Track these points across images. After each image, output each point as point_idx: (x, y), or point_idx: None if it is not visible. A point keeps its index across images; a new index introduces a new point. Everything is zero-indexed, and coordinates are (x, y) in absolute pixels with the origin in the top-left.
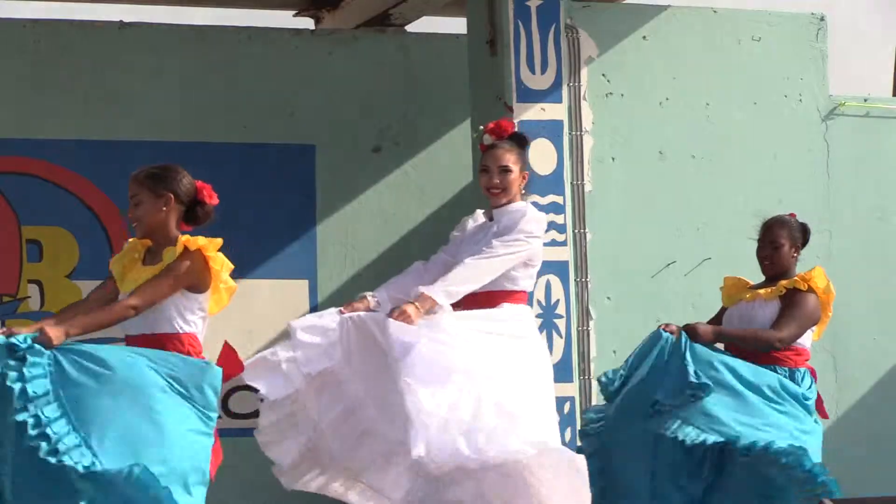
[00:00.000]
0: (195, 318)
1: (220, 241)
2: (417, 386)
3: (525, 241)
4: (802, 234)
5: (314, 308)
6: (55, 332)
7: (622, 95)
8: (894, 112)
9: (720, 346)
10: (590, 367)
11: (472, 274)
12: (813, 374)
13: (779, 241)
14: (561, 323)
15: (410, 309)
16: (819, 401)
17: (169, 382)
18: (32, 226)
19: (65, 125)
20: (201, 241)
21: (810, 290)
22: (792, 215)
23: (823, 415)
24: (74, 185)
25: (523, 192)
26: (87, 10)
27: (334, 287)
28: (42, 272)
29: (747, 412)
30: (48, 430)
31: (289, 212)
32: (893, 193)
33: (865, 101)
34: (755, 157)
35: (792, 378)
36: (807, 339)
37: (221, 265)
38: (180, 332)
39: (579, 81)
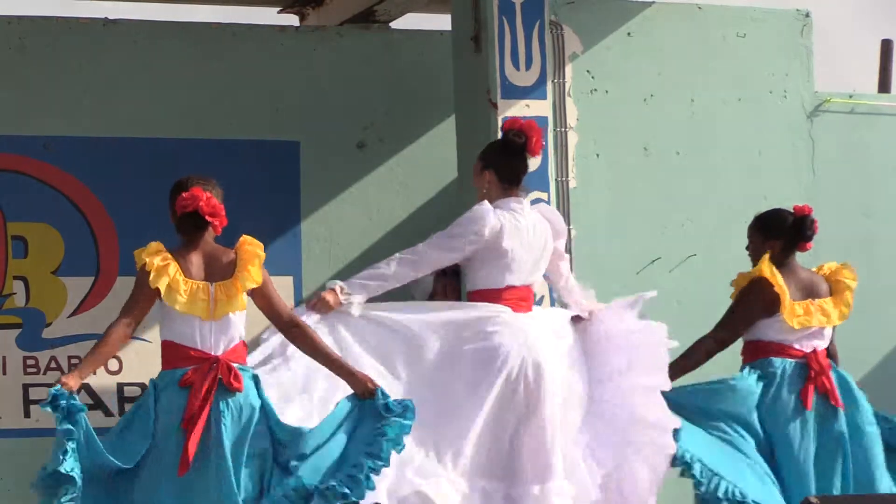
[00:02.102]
0: (168, 322)
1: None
2: None
3: (447, 239)
4: (765, 225)
5: (298, 304)
6: None
7: (607, 92)
8: (879, 108)
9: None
10: None
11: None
12: (826, 366)
13: (749, 240)
14: None
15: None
16: None
17: None
18: (18, 222)
19: (50, 122)
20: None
21: (751, 282)
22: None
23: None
24: (60, 182)
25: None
26: (72, 6)
27: (319, 283)
28: (27, 269)
29: None
30: None
31: (273, 208)
32: (878, 190)
33: (850, 97)
34: (740, 154)
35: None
36: (769, 331)
37: (153, 270)
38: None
39: (564, 78)
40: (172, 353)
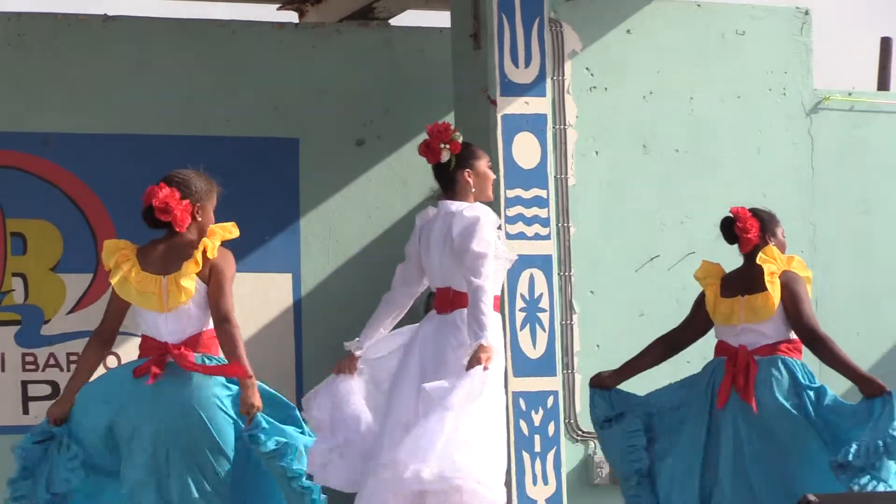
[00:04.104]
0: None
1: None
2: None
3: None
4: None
5: (298, 301)
6: None
7: (606, 89)
8: (879, 106)
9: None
10: (573, 362)
11: None
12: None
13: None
14: (544, 317)
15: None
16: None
17: None
18: (17, 219)
19: (49, 118)
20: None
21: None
22: None
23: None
24: (59, 179)
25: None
26: (71, 3)
27: (318, 280)
28: (26, 265)
29: None
30: None
31: (272, 205)
32: (878, 187)
33: (850, 94)
34: (739, 151)
35: None
36: (720, 332)
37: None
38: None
39: (563, 75)
40: (143, 344)
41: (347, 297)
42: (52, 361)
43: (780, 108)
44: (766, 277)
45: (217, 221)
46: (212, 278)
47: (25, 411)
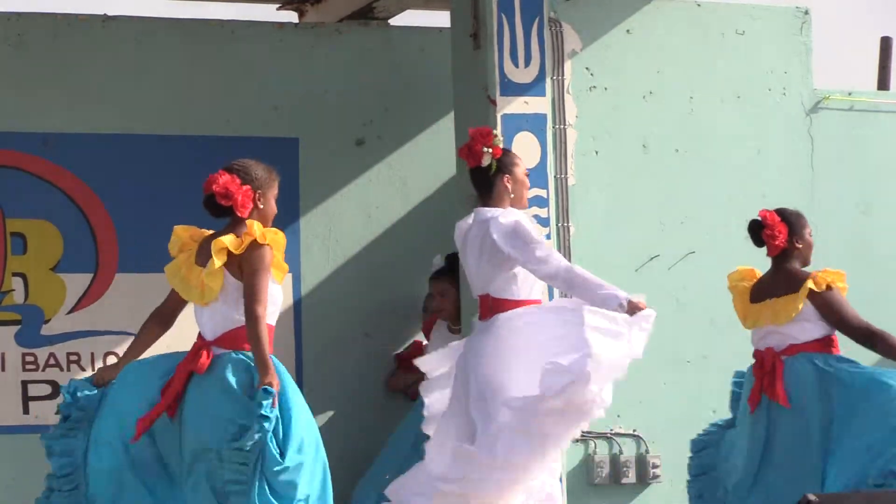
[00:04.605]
0: None
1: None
2: None
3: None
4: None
5: (297, 301)
6: None
7: (606, 89)
8: (879, 106)
9: None
10: None
11: None
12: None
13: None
14: None
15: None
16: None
17: None
18: (17, 218)
19: (49, 118)
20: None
21: None
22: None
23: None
24: (59, 179)
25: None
26: (71, 2)
27: (318, 280)
28: (26, 265)
29: None
30: None
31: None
32: (878, 187)
33: (850, 94)
34: (739, 151)
35: None
36: (752, 340)
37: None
38: None
39: (563, 75)
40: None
41: (347, 297)
42: (52, 361)
43: (780, 107)
44: (802, 288)
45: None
46: (244, 275)
47: (26, 411)
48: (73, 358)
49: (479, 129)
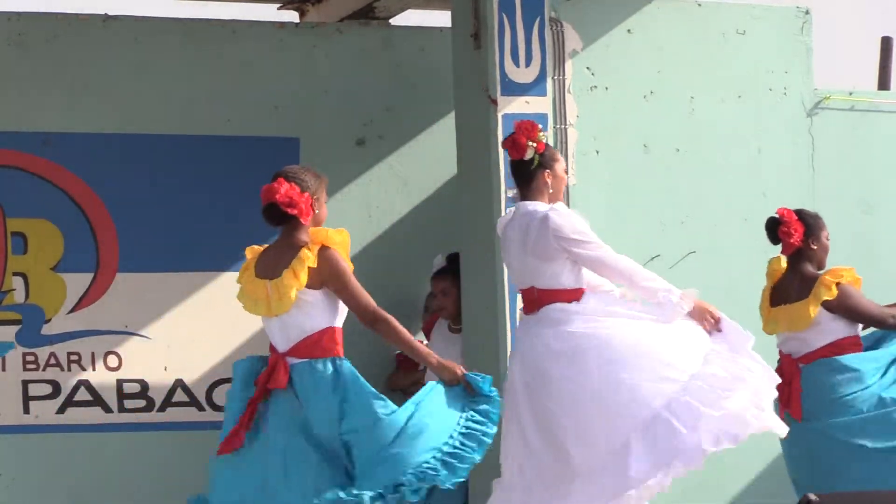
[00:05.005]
0: None
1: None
2: None
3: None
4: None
5: None
6: None
7: (606, 89)
8: (879, 106)
9: None
10: None
11: None
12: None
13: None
14: None
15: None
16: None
17: None
18: (17, 218)
19: (50, 118)
20: None
21: None
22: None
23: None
24: (59, 178)
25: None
26: (72, 2)
27: None
28: (27, 265)
29: None
30: None
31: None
32: (878, 187)
33: (850, 94)
34: (740, 151)
35: None
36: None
37: None
38: None
39: (563, 74)
40: (271, 348)
41: None
42: (52, 361)
43: (781, 107)
44: (813, 292)
45: (216, 220)
46: (331, 286)
47: (26, 411)
48: (74, 357)
49: (525, 122)
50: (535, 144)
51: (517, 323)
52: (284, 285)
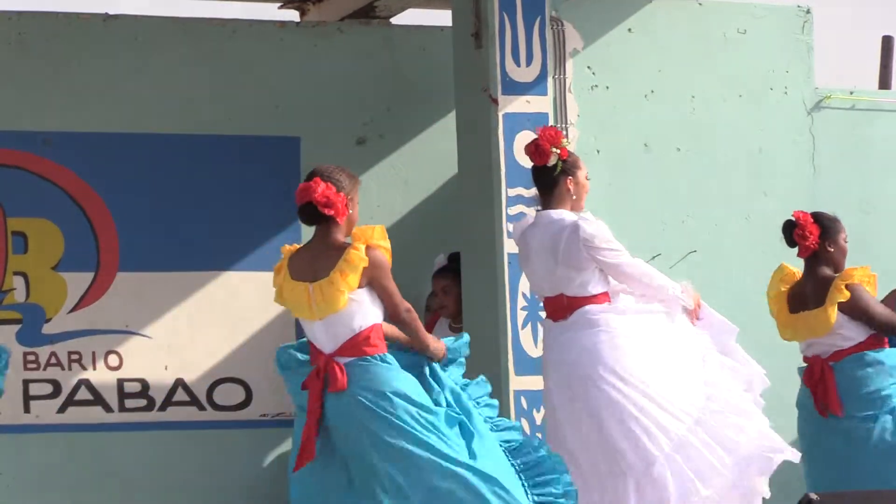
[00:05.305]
0: None
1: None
2: None
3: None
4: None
5: None
6: None
7: (607, 88)
8: (880, 105)
9: None
10: None
11: None
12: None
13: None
14: None
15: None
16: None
17: None
18: (18, 217)
19: (50, 117)
20: None
21: None
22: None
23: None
24: (60, 178)
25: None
26: (72, 1)
27: None
28: (27, 264)
29: None
30: None
31: (274, 204)
32: (879, 186)
33: (851, 93)
34: (741, 150)
35: None
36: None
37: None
38: None
39: (564, 74)
40: (311, 350)
41: None
42: (53, 360)
43: (782, 106)
44: (829, 297)
45: (217, 219)
46: (373, 284)
47: (27, 410)
48: (75, 357)
49: (548, 129)
50: (558, 151)
51: (518, 323)
52: (334, 288)
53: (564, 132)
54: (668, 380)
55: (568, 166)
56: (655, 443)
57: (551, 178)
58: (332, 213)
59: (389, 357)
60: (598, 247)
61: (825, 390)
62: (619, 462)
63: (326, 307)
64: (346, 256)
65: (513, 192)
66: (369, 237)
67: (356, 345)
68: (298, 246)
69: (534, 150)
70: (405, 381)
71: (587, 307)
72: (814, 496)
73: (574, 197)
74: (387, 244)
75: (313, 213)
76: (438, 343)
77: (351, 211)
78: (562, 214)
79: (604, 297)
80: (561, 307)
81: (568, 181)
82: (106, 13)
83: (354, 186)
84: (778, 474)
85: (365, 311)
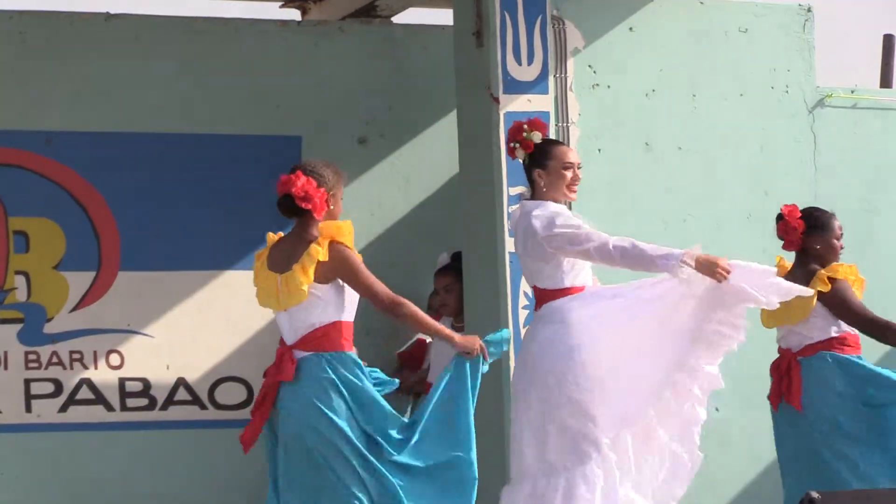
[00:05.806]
0: None
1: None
2: None
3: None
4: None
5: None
6: None
7: (609, 87)
8: (881, 103)
9: None
10: None
11: None
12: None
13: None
14: None
15: None
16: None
17: None
18: (19, 217)
19: (51, 117)
20: None
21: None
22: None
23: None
24: (61, 177)
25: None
26: (73, 1)
27: None
28: (29, 263)
29: None
30: None
31: (274, 203)
32: (880, 185)
33: (853, 92)
34: (742, 149)
35: None
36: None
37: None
38: None
39: (566, 72)
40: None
41: None
42: (54, 360)
43: (783, 105)
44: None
45: (218, 218)
46: (343, 280)
47: (28, 409)
48: (76, 356)
49: (515, 124)
50: (518, 144)
51: (520, 321)
52: (295, 280)
53: (566, 131)
54: (608, 383)
55: (534, 159)
56: (584, 444)
57: (527, 171)
58: (309, 207)
59: (351, 357)
60: (551, 234)
61: (789, 383)
62: (549, 457)
63: (289, 299)
64: (308, 250)
65: (514, 190)
66: (333, 233)
67: (313, 339)
68: (283, 234)
69: (509, 149)
70: (348, 394)
71: (553, 302)
72: (815, 495)
73: (545, 189)
74: (351, 239)
75: (291, 206)
76: (463, 337)
77: (332, 207)
78: (527, 206)
79: (573, 292)
80: (537, 298)
81: (536, 174)
82: (107, 12)
83: (339, 182)
84: (774, 473)
85: (325, 308)
